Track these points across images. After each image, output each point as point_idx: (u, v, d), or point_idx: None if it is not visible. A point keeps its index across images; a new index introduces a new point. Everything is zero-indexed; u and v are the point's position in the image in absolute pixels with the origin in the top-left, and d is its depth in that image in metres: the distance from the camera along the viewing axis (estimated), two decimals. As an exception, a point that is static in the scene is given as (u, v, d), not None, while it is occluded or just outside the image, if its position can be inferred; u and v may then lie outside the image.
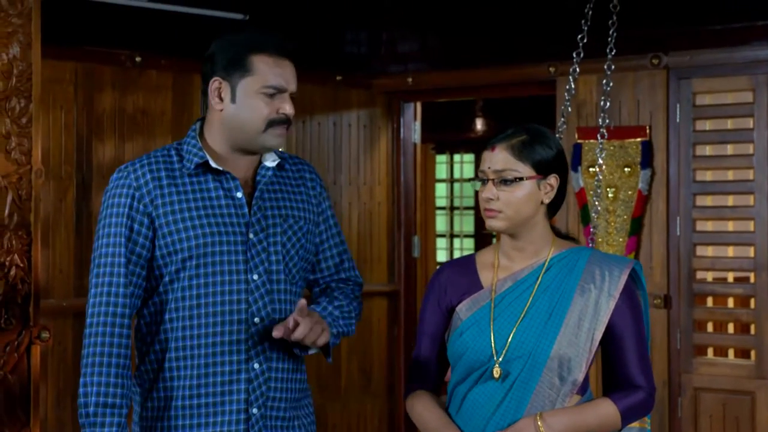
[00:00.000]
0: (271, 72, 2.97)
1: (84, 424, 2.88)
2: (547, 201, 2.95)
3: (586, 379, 2.94)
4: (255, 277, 2.99)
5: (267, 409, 3.02)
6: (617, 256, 3.04)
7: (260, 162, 3.07)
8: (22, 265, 4.30)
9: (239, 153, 3.03)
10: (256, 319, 2.99)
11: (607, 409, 2.89)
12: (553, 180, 2.94)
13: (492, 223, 2.95)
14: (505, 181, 2.91)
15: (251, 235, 3.00)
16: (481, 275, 3.03)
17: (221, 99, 2.99)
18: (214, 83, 2.99)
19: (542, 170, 2.93)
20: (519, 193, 2.92)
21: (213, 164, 2.99)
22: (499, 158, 2.92)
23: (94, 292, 2.92)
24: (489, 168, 2.93)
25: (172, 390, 2.97)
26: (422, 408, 3.02)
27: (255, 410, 2.99)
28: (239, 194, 3.01)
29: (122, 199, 2.93)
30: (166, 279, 2.95)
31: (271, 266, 3.03)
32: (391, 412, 6.69)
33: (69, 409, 5.54)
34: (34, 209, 4.33)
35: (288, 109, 2.99)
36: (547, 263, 2.96)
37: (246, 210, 3.01)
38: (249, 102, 2.97)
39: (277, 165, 3.09)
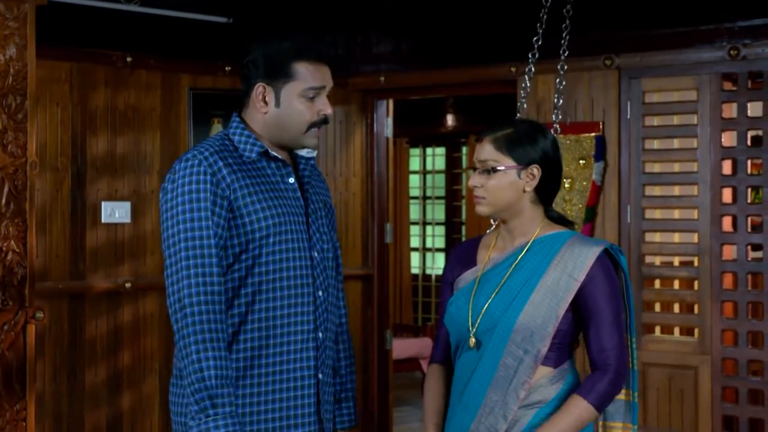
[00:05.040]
0: (310, 75, 3.02)
1: (204, 398, 2.82)
2: (528, 189, 2.96)
3: (563, 352, 2.94)
4: (315, 254, 3.06)
5: (326, 376, 3.09)
6: (594, 239, 3.03)
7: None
8: (18, 250, 4.30)
9: (278, 147, 3.07)
10: (320, 293, 3.05)
11: (580, 408, 2.86)
12: (534, 170, 2.96)
13: (478, 209, 3.01)
14: (488, 171, 2.95)
15: (310, 217, 3.06)
16: (479, 254, 3.08)
17: (266, 102, 3.03)
18: (259, 88, 3.03)
19: (523, 161, 2.94)
20: (499, 181, 2.95)
21: (272, 153, 3.03)
22: (485, 150, 2.97)
23: (187, 273, 2.87)
24: (477, 158, 2.99)
25: (250, 359, 2.95)
26: (427, 390, 3.12)
27: (321, 375, 3.05)
28: (291, 179, 3.06)
29: (201, 185, 2.91)
30: (244, 257, 2.94)
31: (323, 245, 3.10)
32: (365, 387, 6.70)
33: (64, 383, 5.55)
34: (29, 199, 4.34)
35: (328, 110, 3.05)
36: (529, 244, 2.98)
37: (299, 194, 3.06)
38: (292, 106, 3.02)
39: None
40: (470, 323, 2.96)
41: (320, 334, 3.04)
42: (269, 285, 2.96)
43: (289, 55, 3.02)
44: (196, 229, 2.89)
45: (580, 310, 2.92)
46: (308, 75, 3.01)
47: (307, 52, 3.03)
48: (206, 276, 2.87)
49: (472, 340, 2.95)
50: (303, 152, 3.12)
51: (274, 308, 2.97)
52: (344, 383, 3.25)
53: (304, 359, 3.01)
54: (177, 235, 2.90)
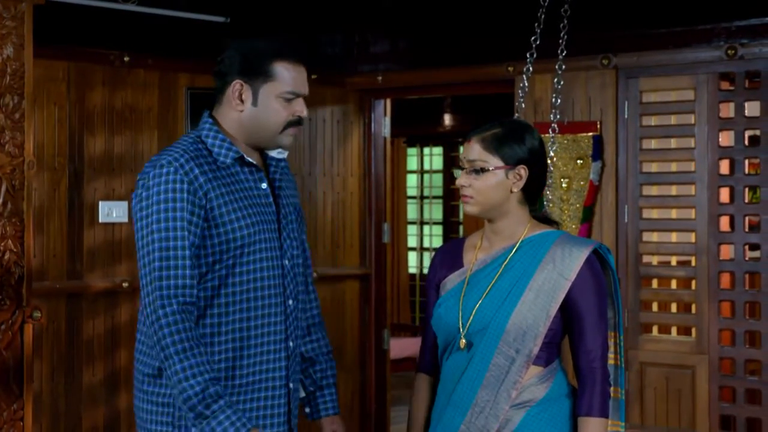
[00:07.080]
0: (291, 78, 2.98)
1: (196, 404, 2.79)
2: (515, 190, 2.96)
3: (552, 351, 2.96)
4: (286, 262, 3.03)
5: (295, 383, 3.08)
6: (583, 239, 3.04)
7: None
8: (15, 250, 4.29)
9: (252, 148, 3.04)
10: (290, 301, 3.03)
11: (594, 426, 2.89)
12: (521, 170, 2.95)
13: (466, 208, 3.00)
14: (476, 171, 2.95)
15: (281, 223, 3.03)
16: (465, 255, 3.07)
17: (242, 100, 2.99)
18: (236, 85, 2.99)
19: (510, 161, 2.94)
20: (487, 181, 2.95)
21: (247, 158, 2.99)
22: (473, 150, 2.96)
23: (159, 285, 2.82)
24: (464, 158, 2.98)
25: (225, 371, 2.93)
26: (414, 401, 3.14)
27: (291, 384, 3.05)
28: (264, 185, 3.02)
29: (178, 193, 2.86)
30: (217, 267, 2.91)
31: (294, 251, 3.07)
32: (363, 386, 6.70)
33: (62, 383, 5.54)
34: (27, 198, 4.33)
35: (304, 111, 3.02)
36: (517, 245, 2.99)
37: (271, 200, 3.02)
38: (270, 105, 2.98)
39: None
40: (460, 324, 2.97)
41: (291, 343, 3.03)
42: (243, 296, 2.93)
43: (269, 55, 2.98)
44: (171, 239, 2.84)
45: (567, 309, 2.93)
46: (288, 77, 2.98)
47: (288, 52, 2.99)
48: (179, 288, 2.83)
49: (463, 342, 2.95)
50: (274, 153, 3.08)
51: (248, 319, 2.94)
52: (324, 370, 3.23)
53: (277, 369, 2.99)
54: (151, 245, 2.86)
